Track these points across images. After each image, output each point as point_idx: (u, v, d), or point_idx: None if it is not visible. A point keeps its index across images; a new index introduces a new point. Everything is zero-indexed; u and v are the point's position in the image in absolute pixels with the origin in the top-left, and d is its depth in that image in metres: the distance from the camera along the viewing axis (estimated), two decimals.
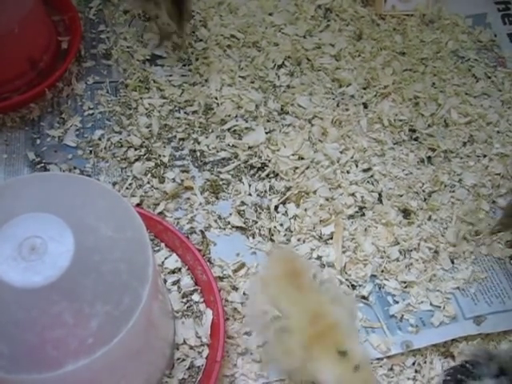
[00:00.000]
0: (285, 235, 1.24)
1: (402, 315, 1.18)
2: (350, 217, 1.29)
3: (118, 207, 0.87)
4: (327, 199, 1.30)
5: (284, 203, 1.29)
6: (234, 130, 1.38)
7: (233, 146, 1.36)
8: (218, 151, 1.35)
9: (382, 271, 1.22)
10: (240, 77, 1.47)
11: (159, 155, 1.32)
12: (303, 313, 0.93)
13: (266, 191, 1.30)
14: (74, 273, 0.76)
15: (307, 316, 0.93)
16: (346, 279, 1.20)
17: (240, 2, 1.62)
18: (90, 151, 1.32)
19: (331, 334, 0.91)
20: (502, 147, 1.48)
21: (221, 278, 1.18)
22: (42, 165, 1.29)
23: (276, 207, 1.28)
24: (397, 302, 1.19)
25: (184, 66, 1.48)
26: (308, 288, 0.97)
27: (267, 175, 1.32)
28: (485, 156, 1.44)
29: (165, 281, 1.15)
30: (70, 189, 0.87)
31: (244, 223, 1.25)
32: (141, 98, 1.40)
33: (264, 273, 1.05)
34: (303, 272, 0.99)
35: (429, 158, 1.42)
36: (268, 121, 1.41)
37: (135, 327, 0.81)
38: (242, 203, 1.28)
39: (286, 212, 1.28)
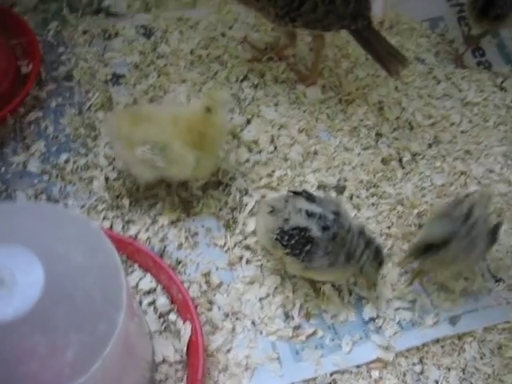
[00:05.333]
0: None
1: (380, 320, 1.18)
2: None
3: (88, 233, 0.86)
4: None
5: (251, 216, 1.28)
6: None
7: None
8: None
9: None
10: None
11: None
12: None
13: (236, 205, 1.30)
14: (46, 303, 0.75)
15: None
16: None
17: (200, 16, 1.62)
18: (57, 175, 1.30)
19: None
20: (466, 146, 1.51)
21: (197, 296, 1.17)
22: (8, 192, 1.26)
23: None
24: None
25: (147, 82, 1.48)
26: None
27: (237, 189, 1.32)
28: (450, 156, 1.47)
29: (140, 302, 1.13)
30: (37, 218, 0.86)
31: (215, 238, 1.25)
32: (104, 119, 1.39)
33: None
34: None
35: (400, 160, 1.44)
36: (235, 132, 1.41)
37: (112, 353, 0.80)
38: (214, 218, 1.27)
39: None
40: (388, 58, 1.39)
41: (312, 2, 1.30)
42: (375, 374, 1.13)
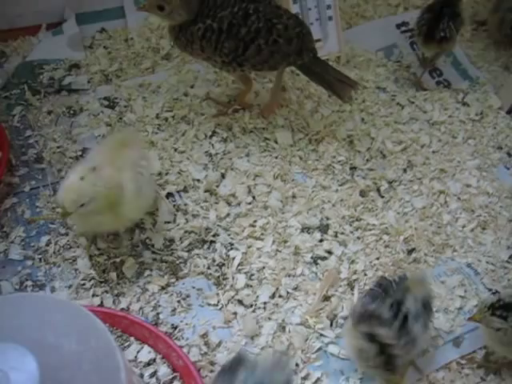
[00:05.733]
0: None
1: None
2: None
3: (77, 317, 0.85)
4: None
5: (240, 270, 1.28)
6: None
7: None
8: (169, 231, 1.33)
9: None
10: (175, 151, 1.48)
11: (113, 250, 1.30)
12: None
13: (223, 261, 1.29)
14: None
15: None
16: None
17: (160, 80, 1.64)
18: (40, 259, 1.28)
19: None
20: (440, 165, 1.53)
21: (198, 359, 1.15)
22: None
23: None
24: None
25: None
26: None
27: (221, 244, 1.32)
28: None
29: (141, 375, 1.11)
30: (24, 310, 0.84)
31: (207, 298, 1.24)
32: None
33: None
34: None
35: (378, 190, 1.45)
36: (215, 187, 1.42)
37: None
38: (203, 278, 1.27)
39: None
40: (338, 84, 1.43)
41: (256, 46, 1.35)
42: None
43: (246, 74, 1.50)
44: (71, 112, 1.57)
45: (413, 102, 1.70)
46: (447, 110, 1.69)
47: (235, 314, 1.21)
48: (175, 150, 1.48)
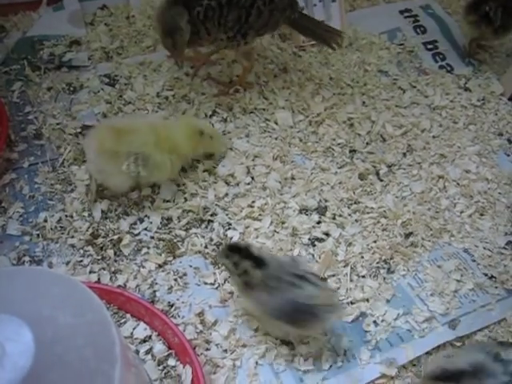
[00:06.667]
0: None
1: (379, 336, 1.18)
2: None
3: (73, 291, 0.85)
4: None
5: None
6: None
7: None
8: (167, 210, 1.33)
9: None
10: None
11: (111, 227, 1.30)
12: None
13: (221, 241, 1.29)
14: (38, 370, 0.73)
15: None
16: None
17: (162, 58, 1.63)
18: (38, 235, 1.28)
19: None
20: (440, 150, 1.52)
21: (194, 337, 1.15)
22: None
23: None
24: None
25: None
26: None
27: (219, 224, 1.32)
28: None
29: (137, 352, 1.12)
30: (19, 282, 0.84)
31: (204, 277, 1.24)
32: (79, 171, 1.39)
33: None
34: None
35: (377, 174, 1.45)
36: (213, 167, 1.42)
37: None
38: (200, 256, 1.27)
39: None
40: (326, 34, 1.54)
41: (256, 9, 1.39)
42: None
43: (248, 51, 1.50)
44: (71, 89, 1.56)
45: (414, 87, 1.69)
46: (449, 95, 1.68)
47: (231, 293, 1.21)
48: None
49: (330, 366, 1.13)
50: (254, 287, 1.08)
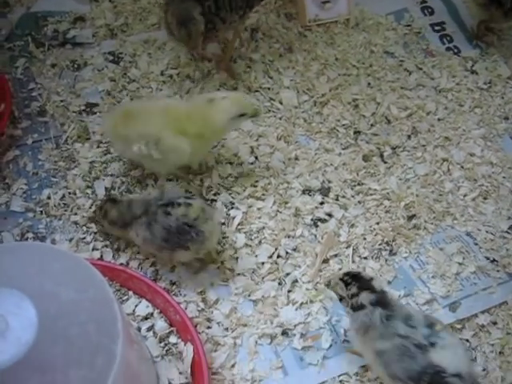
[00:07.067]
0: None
1: None
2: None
3: (76, 267, 0.85)
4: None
5: (240, 230, 1.29)
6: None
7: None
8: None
9: None
10: None
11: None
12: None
13: (224, 220, 1.30)
14: (41, 344, 0.74)
15: None
16: None
17: (166, 37, 1.61)
18: (41, 212, 1.29)
19: None
20: (445, 132, 1.52)
21: (196, 315, 1.16)
22: None
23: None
24: None
25: None
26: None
27: (222, 203, 1.32)
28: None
29: (139, 328, 1.13)
30: (23, 258, 0.85)
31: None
32: (82, 149, 1.39)
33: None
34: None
35: (381, 155, 1.44)
36: (214, 146, 1.41)
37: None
38: None
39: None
40: None
41: None
42: None
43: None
44: (75, 66, 1.55)
45: (420, 68, 1.67)
46: (455, 78, 1.66)
47: (233, 271, 1.22)
48: None
49: (330, 346, 1.14)
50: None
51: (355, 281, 1.02)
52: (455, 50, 1.74)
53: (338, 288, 1.04)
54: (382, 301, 1.00)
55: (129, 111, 1.24)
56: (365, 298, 1.00)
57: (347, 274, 1.05)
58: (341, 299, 1.05)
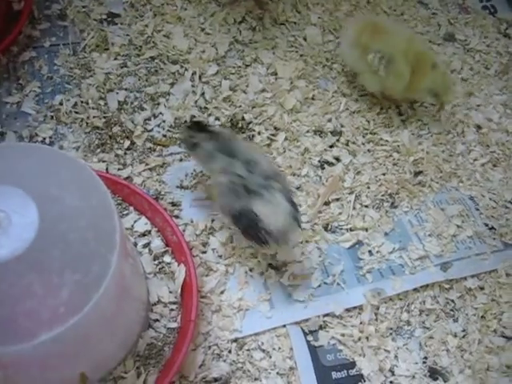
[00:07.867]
0: None
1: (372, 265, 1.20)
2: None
3: (81, 175, 0.86)
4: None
5: None
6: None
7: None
8: (184, 110, 1.33)
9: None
10: (202, 31, 1.44)
11: (125, 118, 1.29)
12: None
13: None
14: (41, 244, 0.76)
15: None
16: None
17: None
18: (52, 117, 1.28)
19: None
20: (466, 93, 1.49)
21: (192, 238, 1.18)
22: (3, 133, 1.25)
23: None
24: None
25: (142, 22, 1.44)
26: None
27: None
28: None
29: (135, 244, 1.15)
30: (30, 159, 0.85)
31: None
32: (99, 59, 1.37)
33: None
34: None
35: (398, 108, 1.43)
36: (232, 74, 1.40)
37: (106, 293, 0.81)
38: None
39: None
40: None
41: None
42: (365, 317, 1.14)
43: None
44: None
45: (452, 24, 1.63)
46: (486, 39, 1.62)
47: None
48: (202, 29, 1.44)
49: (319, 285, 1.16)
50: None
51: (196, 125, 1.14)
52: (491, 10, 1.69)
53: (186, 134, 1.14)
54: (216, 138, 1.10)
55: (378, 25, 1.34)
56: (202, 137, 1.11)
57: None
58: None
